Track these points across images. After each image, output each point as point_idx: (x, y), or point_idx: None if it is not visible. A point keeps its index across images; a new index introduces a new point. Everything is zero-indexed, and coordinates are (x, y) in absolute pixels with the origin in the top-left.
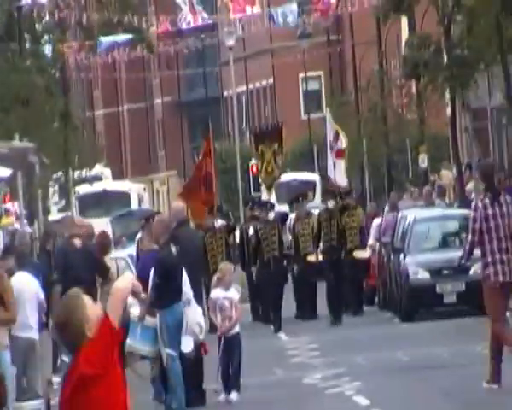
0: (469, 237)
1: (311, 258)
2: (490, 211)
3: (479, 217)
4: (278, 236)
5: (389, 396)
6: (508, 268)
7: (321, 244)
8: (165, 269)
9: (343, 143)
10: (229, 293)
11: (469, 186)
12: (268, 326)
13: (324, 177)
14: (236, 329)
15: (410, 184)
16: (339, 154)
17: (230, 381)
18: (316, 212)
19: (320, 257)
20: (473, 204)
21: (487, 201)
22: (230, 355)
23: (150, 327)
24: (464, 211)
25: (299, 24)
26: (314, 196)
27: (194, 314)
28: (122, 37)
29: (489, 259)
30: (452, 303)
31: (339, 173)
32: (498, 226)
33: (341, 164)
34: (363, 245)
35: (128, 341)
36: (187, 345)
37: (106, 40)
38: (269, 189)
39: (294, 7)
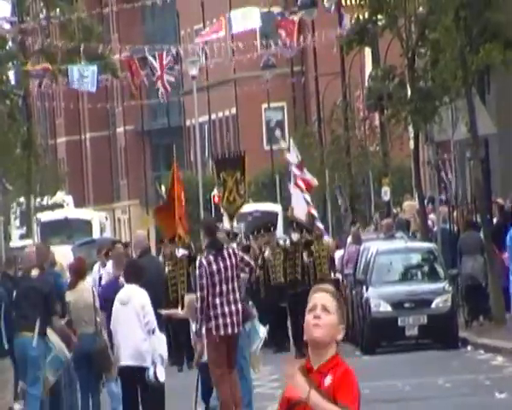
0: (198, 293)
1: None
2: (214, 267)
3: (204, 273)
4: None
5: None
6: (230, 320)
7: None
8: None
9: (313, 179)
10: (193, 326)
11: (431, 217)
12: None
13: (287, 208)
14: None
15: (377, 216)
16: (308, 185)
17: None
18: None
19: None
20: (202, 260)
21: (211, 257)
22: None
23: None
24: (427, 244)
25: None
26: (276, 227)
27: (157, 344)
28: (88, 68)
29: (212, 313)
30: (414, 336)
31: (298, 206)
32: (222, 281)
33: (305, 196)
34: (331, 274)
35: None
36: (162, 374)
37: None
38: (231, 218)
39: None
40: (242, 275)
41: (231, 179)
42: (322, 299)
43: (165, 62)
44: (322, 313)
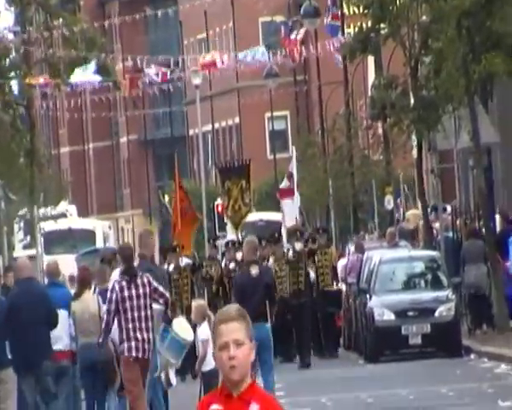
0: (105, 316)
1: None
2: (126, 293)
3: (114, 299)
4: None
5: None
6: (142, 346)
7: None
8: (241, 288)
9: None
10: (198, 331)
11: (436, 226)
12: None
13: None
14: (213, 364)
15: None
16: (286, 193)
17: None
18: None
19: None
20: (115, 285)
21: (124, 283)
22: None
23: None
24: (430, 252)
25: (269, 61)
26: (281, 237)
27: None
28: (91, 75)
29: (125, 336)
30: (417, 345)
31: (287, 214)
32: (133, 307)
33: (289, 204)
34: (334, 284)
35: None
36: (173, 378)
37: (76, 78)
38: (236, 227)
39: (262, 48)
40: (158, 307)
41: (236, 188)
42: (232, 333)
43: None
44: (236, 349)
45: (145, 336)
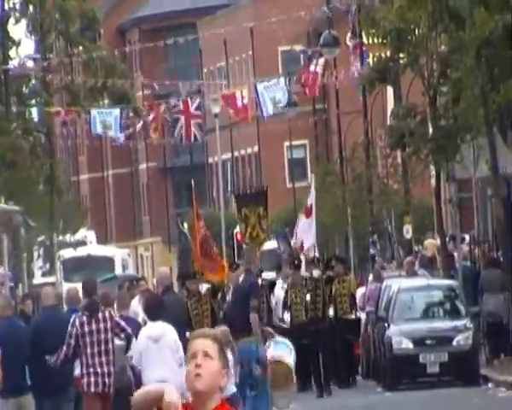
0: (64, 348)
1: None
2: (86, 328)
3: (74, 333)
4: (267, 303)
5: None
6: (102, 380)
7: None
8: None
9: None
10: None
11: (455, 254)
12: None
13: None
14: (231, 390)
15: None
16: (307, 212)
17: None
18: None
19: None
20: (76, 320)
21: (84, 318)
22: None
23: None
24: (448, 281)
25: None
26: (301, 264)
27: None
28: (111, 111)
29: (85, 371)
30: (435, 373)
31: (305, 234)
32: (93, 343)
33: (308, 223)
34: (353, 312)
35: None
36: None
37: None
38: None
39: (282, 83)
40: (119, 342)
41: (254, 215)
42: (202, 345)
43: (191, 107)
44: (204, 360)
45: (105, 369)
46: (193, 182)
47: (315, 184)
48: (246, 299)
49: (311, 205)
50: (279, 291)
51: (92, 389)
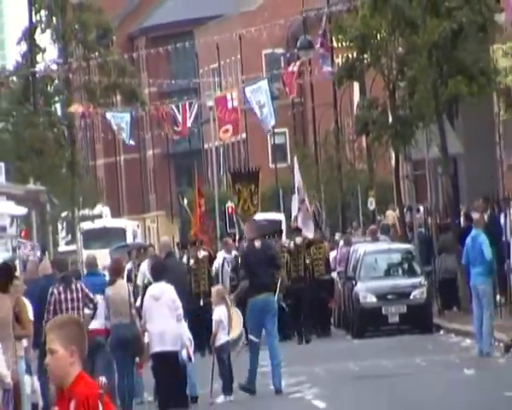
0: (45, 315)
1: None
2: (63, 296)
3: (53, 301)
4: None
5: (343, 400)
6: None
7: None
8: (247, 261)
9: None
10: (214, 311)
11: (411, 222)
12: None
13: (289, 217)
14: (224, 339)
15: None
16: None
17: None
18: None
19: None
20: (54, 290)
21: (61, 288)
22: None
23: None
24: (406, 245)
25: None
26: (281, 233)
27: (184, 329)
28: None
29: None
30: (395, 323)
31: (307, 225)
32: (68, 309)
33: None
34: (327, 273)
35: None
36: (192, 354)
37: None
38: (244, 224)
39: (265, 85)
40: (87, 311)
41: (246, 191)
42: (47, 343)
43: (188, 113)
44: (50, 358)
45: None
46: (195, 166)
47: (297, 166)
48: (270, 260)
49: (298, 183)
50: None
51: None
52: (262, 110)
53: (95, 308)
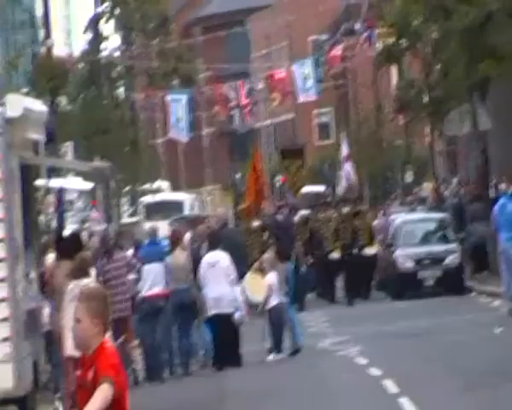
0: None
1: (333, 255)
2: (107, 267)
3: (100, 271)
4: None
5: (384, 357)
6: (119, 307)
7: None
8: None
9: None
10: (267, 276)
11: (446, 193)
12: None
13: (334, 188)
14: (275, 302)
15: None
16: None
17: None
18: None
19: (337, 254)
20: (97, 263)
21: (105, 259)
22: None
23: None
24: (440, 214)
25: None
26: (328, 204)
27: (238, 293)
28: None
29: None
30: (431, 286)
31: (348, 174)
32: (113, 277)
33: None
34: (371, 242)
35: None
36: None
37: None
38: (295, 194)
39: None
40: (131, 276)
41: (293, 166)
42: (76, 311)
43: (245, 92)
44: (76, 326)
45: (121, 297)
46: (252, 146)
47: (346, 139)
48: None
49: (347, 153)
50: None
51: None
52: (306, 82)
53: (138, 272)
